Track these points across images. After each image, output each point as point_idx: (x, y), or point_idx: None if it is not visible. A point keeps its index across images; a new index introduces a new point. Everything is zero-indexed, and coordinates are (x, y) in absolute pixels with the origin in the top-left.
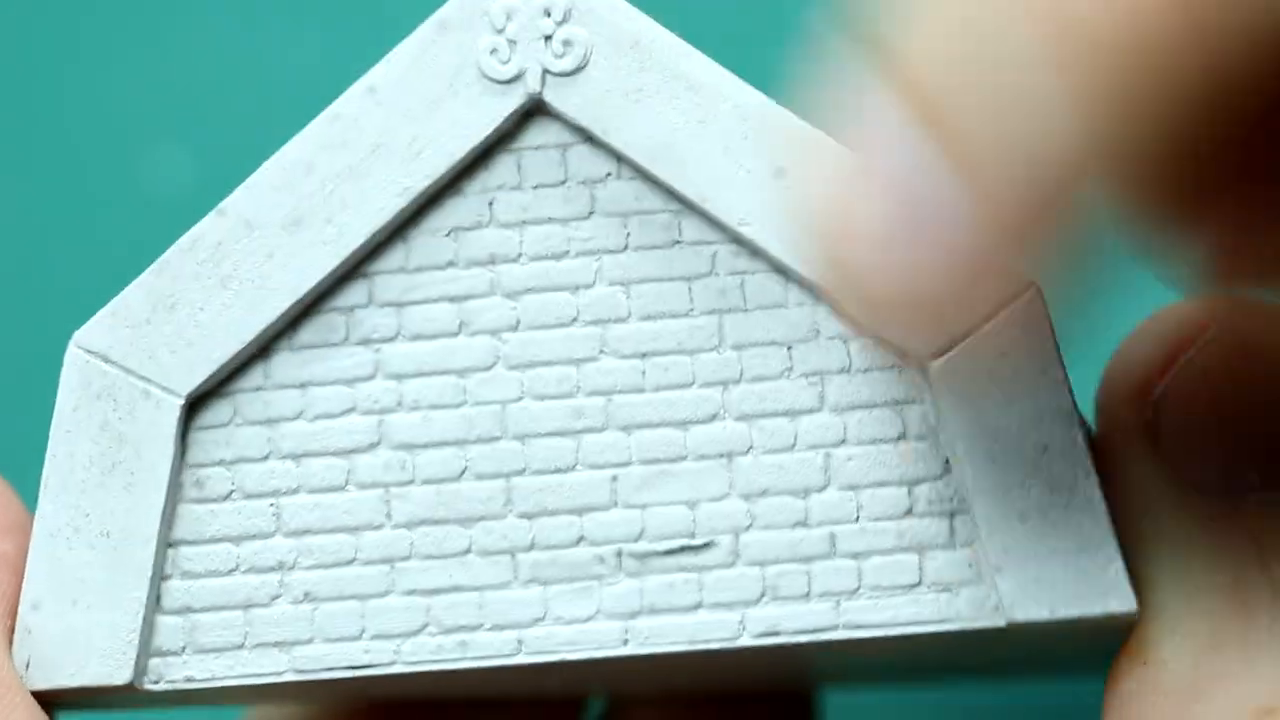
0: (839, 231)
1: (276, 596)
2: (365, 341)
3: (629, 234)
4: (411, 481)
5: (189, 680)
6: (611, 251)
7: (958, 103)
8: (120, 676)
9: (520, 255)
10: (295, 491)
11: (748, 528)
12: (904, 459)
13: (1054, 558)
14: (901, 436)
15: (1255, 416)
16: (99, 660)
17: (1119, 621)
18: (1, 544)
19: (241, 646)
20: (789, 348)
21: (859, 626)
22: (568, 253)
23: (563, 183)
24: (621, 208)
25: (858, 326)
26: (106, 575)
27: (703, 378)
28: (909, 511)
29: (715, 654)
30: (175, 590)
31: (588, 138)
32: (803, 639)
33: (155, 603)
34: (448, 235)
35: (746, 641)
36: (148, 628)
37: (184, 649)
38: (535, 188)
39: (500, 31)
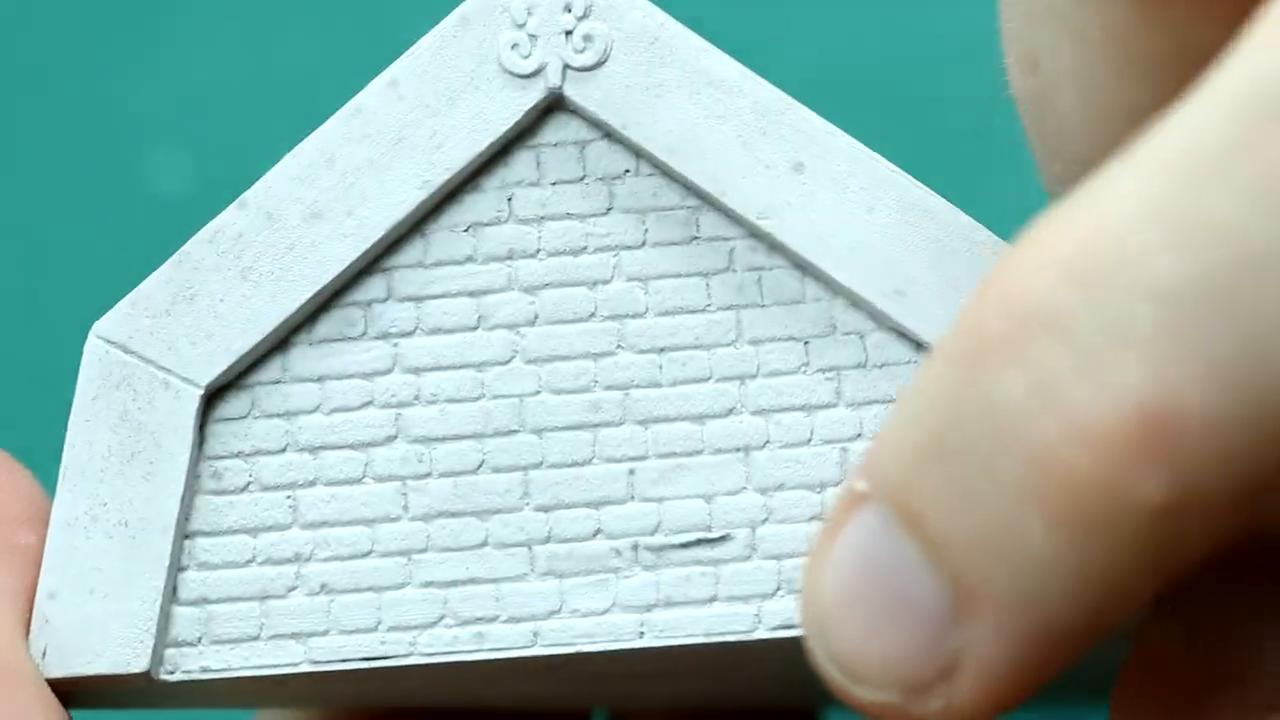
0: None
1: (293, 588)
2: (383, 335)
3: (647, 229)
4: (429, 474)
5: (205, 670)
6: (629, 247)
7: (938, 512)
8: (137, 664)
9: (538, 250)
10: (312, 484)
11: (764, 521)
12: None
13: None
14: None
15: None
16: (116, 649)
17: (1129, 625)
18: (25, 536)
19: (257, 638)
20: (806, 343)
21: None
22: (586, 248)
23: (581, 178)
24: (640, 203)
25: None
26: (124, 565)
27: (720, 372)
28: None
29: (730, 647)
30: (192, 581)
31: (606, 133)
32: None
33: (172, 593)
34: (466, 230)
35: (762, 634)
36: (164, 618)
37: (200, 639)
38: (554, 183)
39: (521, 26)
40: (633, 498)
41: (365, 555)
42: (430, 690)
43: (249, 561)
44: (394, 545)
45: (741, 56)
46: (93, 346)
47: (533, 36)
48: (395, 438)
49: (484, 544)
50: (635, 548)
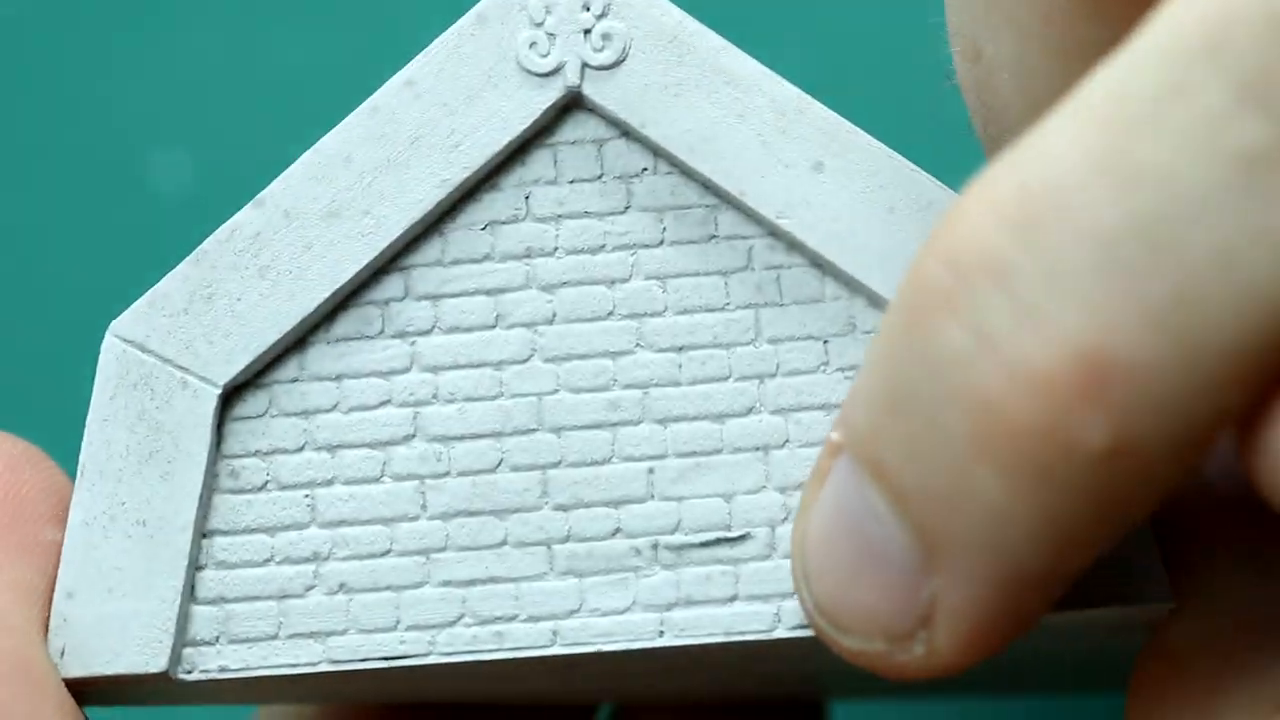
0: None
1: (311, 587)
2: (401, 334)
3: (665, 228)
4: (447, 473)
5: (223, 670)
6: (648, 246)
7: (897, 464)
8: (155, 664)
9: (556, 249)
10: (330, 483)
11: (784, 520)
12: None
13: None
14: None
15: None
16: (134, 648)
17: (1152, 615)
18: (52, 533)
19: (276, 637)
20: (825, 342)
21: None
22: (604, 247)
23: (599, 177)
24: (658, 202)
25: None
26: (142, 564)
27: (739, 371)
28: None
29: (750, 646)
30: (210, 580)
31: (624, 132)
32: None
33: (190, 592)
34: (484, 229)
35: (782, 634)
36: (183, 617)
37: (218, 639)
38: (571, 182)
39: (539, 25)
40: (652, 497)
41: (384, 554)
42: (445, 687)
43: (267, 560)
44: (412, 544)
45: (760, 55)
46: (110, 346)
47: (551, 35)
48: (413, 436)
49: (503, 543)
50: (655, 547)
